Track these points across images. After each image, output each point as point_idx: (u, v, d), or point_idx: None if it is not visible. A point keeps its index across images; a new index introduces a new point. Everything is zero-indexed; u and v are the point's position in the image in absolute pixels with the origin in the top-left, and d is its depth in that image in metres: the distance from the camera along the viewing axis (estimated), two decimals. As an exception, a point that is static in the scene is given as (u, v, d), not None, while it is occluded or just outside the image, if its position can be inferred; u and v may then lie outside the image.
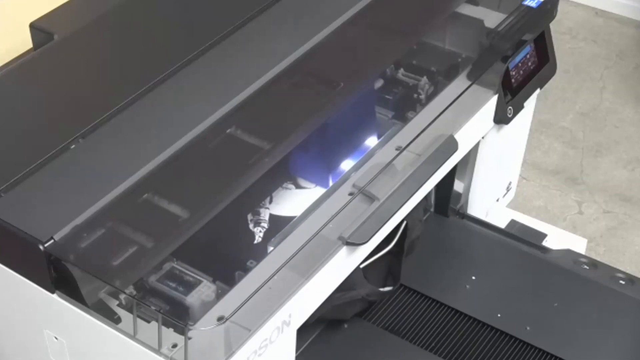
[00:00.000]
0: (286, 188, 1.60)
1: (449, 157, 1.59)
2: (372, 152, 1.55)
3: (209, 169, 1.47)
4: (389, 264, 1.72)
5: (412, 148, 1.54)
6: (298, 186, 1.61)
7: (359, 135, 1.68)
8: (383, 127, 1.67)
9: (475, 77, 1.68)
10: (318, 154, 1.64)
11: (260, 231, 1.51)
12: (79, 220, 1.30)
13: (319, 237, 1.38)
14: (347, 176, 1.50)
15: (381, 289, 1.69)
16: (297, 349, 1.62)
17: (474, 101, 1.69)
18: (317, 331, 1.68)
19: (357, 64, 1.67)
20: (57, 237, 1.28)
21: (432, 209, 1.94)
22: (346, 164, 1.63)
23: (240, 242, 1.50)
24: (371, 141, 1.66)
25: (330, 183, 1.57)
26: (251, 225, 1.52)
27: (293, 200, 1.56)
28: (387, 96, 1.74)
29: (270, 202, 1.56)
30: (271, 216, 1.54)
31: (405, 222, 1.66)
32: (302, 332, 1.62)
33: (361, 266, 1.61)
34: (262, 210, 1.54)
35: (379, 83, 1.75)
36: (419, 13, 1.78)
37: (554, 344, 1.67)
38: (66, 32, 1.68)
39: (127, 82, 1.56)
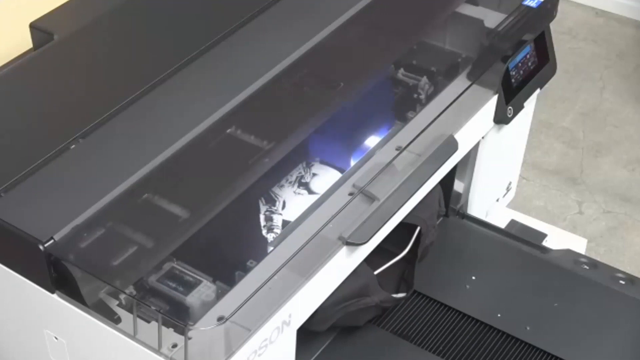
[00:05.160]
0: (298, 194, 1.60)
1: (449, 157, 1.59)
2: (372, 152, 1.55)
3: (209, 169, 1.47)
4: (402, 270, 1.72)
5: (412, 148, 1.54)
6: (310, 192, 1.61)
7: (358, 135, 1.68)
8: (383, 127, 1.67)
9: (475, 77, 1.68)
10: (318, 154, 1.64)
11: (272, 237, 1.51)
12: (79, 220, 1.30)
13: (319, 237, 1.38)
14: (347, 176, 1.50)
15: (395, 295, 1.69)
16: (310, 356, 1.62)
17: (474, 101, 1.69)
18: (330, 338, 1.67)
19: (357, 64, 1.67)
20: (57, 237, 1.28)
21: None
22: (346, 164, 1.63)
23: (241, 242, 1.50)
24: (371, 141, 1.66)
25: (330, 184, 1.57)
26: (264, 232, 1.52)
27: (304, 206, 1.55)
28: (387, 96, 1.74)
29: (283, 207, 1.56)
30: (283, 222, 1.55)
31: (419, 228, 1.66)
32: (315, 339, 1.62)
33: (375, 273, 1.60)
34: (275, 216, 1.55)
35: (379, 83, 1.75)
36: (419, 13, 1.78)
37: (554, 344, 1.67)
38: (66, 32, 1.68)
39: (127, 82, 1.56)
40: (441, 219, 1.89)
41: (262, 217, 1.55)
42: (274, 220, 1.54)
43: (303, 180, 1.62)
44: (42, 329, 1.39)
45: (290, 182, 1.61)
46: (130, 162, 1.40)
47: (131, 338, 1.26)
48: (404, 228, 1.63)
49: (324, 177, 1.61)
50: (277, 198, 1.58)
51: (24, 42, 1.71)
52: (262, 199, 1.57)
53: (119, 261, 1.29)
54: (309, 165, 1.64)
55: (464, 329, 1.70)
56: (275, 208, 1.56)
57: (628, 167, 2.78)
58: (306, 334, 1.51)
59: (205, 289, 1.33)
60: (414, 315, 1.72)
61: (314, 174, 1.63)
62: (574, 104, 3.00)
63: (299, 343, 1.45)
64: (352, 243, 1.40)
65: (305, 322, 1.44)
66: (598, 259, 1.90)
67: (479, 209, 1.96)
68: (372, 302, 1.61)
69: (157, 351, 1.24)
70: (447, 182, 1.80)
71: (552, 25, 1.87)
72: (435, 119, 1.58)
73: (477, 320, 1.71)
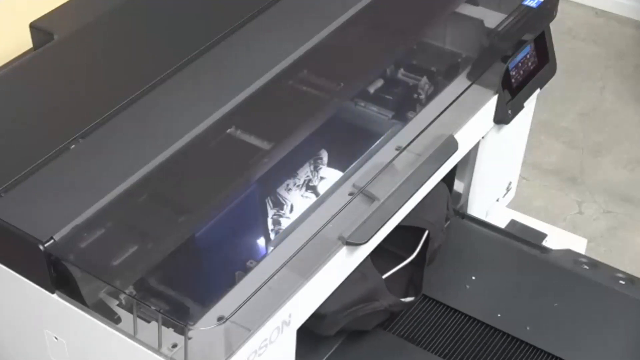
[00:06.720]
0: (306, 197, 1.60)
1: (449, 157, 1.59)
2: (372, 152, 1.55)
3: (209, 169, 1.47)
4: (410, 274, 1.72)
5: (412, 148, 1.54)
6: (318, 195, 1.61)
7: (359, 135, 1.68)
8: (383, 127, 1.67)
9: (475, 77, 1.68)
10: (319, 154, 1.64)
11: (272, 237, 1.51)
12: (79, 220, 1.30)
13: (319, 237, 1.38)
14: (347, 176, 1.50)
15: (403, 300, 1.68)
16: None
17: (474, 101, 1.69)
18: (338, 342, 1.66)
19: (357, 64, 1.67)
20: (57, 237, 1.28)
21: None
22: (346, 164, 1.63)
23: (241, 242, 1.50)
24: (371, 141, 1.66)
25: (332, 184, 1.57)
26: (272, 235, 1.52)
27: (305, 205, 1.55)
28: (387, 96, 1.74)
29: (291, 211, 1.56)
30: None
31: (427, 232, 1.65)
32: (323, 343, 1.62)
33: (383, 277, 1.60)
34: (282, 219, 1.54)
35: (379, 83, 1.75)
36: (419, 13, 1.78)
37: (554, 344, 1.67)
38: (66, 32, 1.68)
39: (127, 82, 1.56)
40: (449, 221, 1.89)
41: (269, 220, 1.55)
42: (282, 224, 1.54)
43: (311, 184, 1.62)
44: (42, 329, 1.39)
45: (297, 186, 1.61)
46: (131, 162, 1.40)
47: (131, 338, 1.26)
48: (412, 232, 1.62)
49: (332, 180, 1.61)
50: (285, 201, 1.58)
51: (24, 42, 1.71)
52: (269, 201, 1.57)
53: (119, 261, 1.29)
54: (316, 169, 1.64)
55: (468, 331, 1.70)
56: (283, 212, 1.56)
57: (628, 167, 2.78)
58: (314, 338, 1.50)
59: (205, 288, 1.33)
60: (419, 319, 1.72)
61: (322, 178, 1.63)
62: (574, 104, 3.00)
63: (308, 347, 1.45)
64: (352, 243, 1.40)
65: (314, 326, 1.44)
66: (598, 259, 1.89)
67: (479, 209, 1.96)
68: (381, 307, 1.61)
69: (157, 351, 1.24)
70: (447, 183, 1.80)
71: (552, 25, 1.87)
72: (435, 119, 1.59)
73: (481, 322, 1.71)
